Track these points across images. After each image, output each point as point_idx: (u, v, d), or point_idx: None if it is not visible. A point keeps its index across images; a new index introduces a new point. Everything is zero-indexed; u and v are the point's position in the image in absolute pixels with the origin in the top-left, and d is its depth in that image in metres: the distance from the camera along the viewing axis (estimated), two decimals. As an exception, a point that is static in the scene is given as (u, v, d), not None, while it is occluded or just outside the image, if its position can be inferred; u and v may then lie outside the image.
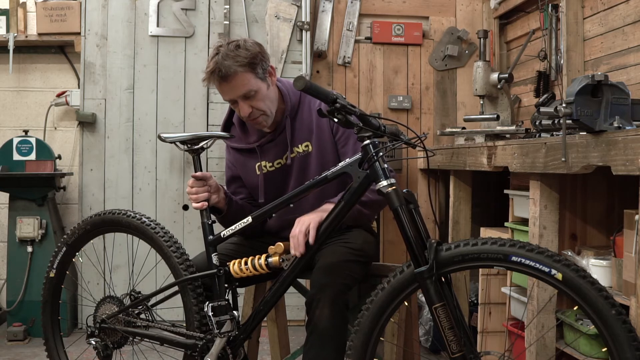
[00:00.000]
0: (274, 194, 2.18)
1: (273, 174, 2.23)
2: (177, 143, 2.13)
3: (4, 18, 3.88)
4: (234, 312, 2.02)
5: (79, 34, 3.86)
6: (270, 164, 2.22)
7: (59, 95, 3.95)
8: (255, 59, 2.03)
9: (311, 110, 2.18)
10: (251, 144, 2.22)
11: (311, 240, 1.90)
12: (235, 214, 2.17)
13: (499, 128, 3.14)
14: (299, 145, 2.19)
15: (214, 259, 2.04)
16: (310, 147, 2.19)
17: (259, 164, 2.23)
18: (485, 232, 2.88)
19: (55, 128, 4.07)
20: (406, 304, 2.01)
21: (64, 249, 2.34)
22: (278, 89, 2.18)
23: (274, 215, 2.03)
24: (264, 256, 1.97)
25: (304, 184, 1.95)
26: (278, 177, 2.23)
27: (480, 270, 2.89)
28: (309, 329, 1.90)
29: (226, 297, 2.03)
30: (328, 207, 1.97)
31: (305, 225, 1.91)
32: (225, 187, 2.23)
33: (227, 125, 2.31)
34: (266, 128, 2.16)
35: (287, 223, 2.11)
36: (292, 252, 1.91)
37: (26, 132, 3.72)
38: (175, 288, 2.11)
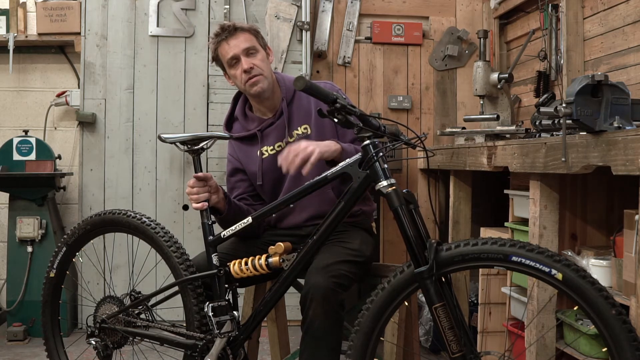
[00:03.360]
0: (274, 177, 2.25)
1: (274, 158, 2.26)
2: (178, 144, 2.14)
3: (4, 18, 3.88)
4: (234, 312, 2.02)
5: (79, 34, 3.85)
6: (271, 148, 2.27)
7: (59, 95, 3.94)
8: (256, 30, 2.27)
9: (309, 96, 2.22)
10: (252, 130, 2.28)
11: (305, 171, 1.88)
12: (235, 214, 2.17)
13: (499, 128, 3.14)
14: (298, 128, 2.25)
15: (214, 259, 2.04)
16: (309, 130, 2.24)
17: (260, 149, 2.27)
18: (485, 232, 2.88)
19: (55, 128, 4.07)
20: (406, 304, 2.01)
21: (64, 249, 2.34)
22: (275, 76, 2.30)
23: (274, 215, 2.04)
24: (264, 256, 1.97)
25: (303, 185, 1.95)
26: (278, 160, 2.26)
27: (480, 270, 2.89)
28: (304, 329, 1.90)
29: (226, 298, 2.03)
30: (336, 145, 1.98)
31: (308, 152, 1.89)
32: (224, 188, 2.24)
33: (230, 122, 2.38)
34: (265, 114, 2.26)
35: (286, 213, 2.15)
36: (280, 163, 1.92)
37: (26, 132, 3.72)
38: (176, 288, 2.11)
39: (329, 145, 1.97)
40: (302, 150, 1.89)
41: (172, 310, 2.27)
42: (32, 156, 3.67)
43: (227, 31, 2.20)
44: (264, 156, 2.27)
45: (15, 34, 3.86)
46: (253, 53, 2.21)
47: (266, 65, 2.24)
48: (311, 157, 1.88)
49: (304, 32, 3.91)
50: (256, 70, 2.19)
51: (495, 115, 3.28)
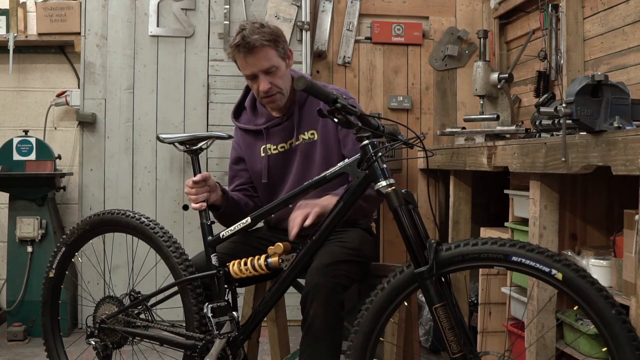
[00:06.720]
0: (277, 177, 2.25)
1: (277, 157, 2.26)
2: (176, 144, 2.13)
3: (4, 18, 3.88)
4: (234, 312, 2.02)
5: (79, 34, 3.86)
6: (274, 147, 2.26)
7: (59, 95, 3.94)
8: (278, 37, 2.13)
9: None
10: (259, 125, 2.27)
11: (308, 222, 1.93)
12: (233, 209, 2.19)
13: (499, 128, 3.14)
14: (305, 133, 2.24)
15: (214, 259, 2.04)
16: (315, 136, 2.23)
17: (264, 146, 2.26)
18: (485, 232, 2.87)
19: (55, 128, 4.07)
20: (406, 304, 2.01)
21: (64, 249, 2.34)
22: (291, 75, 2.24)
23: (272, 215, 2.03)
24: (263, 257, 1.97)
25: (302, 184, 1.95)
26: (281, 161, 2.26)
27: (480, 270, 2.89)
28: (304, 329, 1.90)
29: (226, 298, 2.02)
30: (332, 199, 1.97)
31: (306, 212, 1.95)
32: (221, 184, 2.24)
33: (239, 110, 2.36)
34: (276, 112, 2.24)
35: (287, 215, 2.13)
36: (290, 234, 1.95)
37: (26, 132, 3.72)
38: (175, 288, 2.11)
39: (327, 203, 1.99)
40: (304, 215, 1.96)
41: (172, 311, 2.26)
42: (32, 156, 3.67)
43: (245, 47, 2.06)
44: (267, 154, 2.26)
45: (15, 34, 3.86)
46: (273, 71, 2.12)
47: (285, 79, 2.16)
48: (310, 216, 1.94)
49: (304, 32, 3.91)
50: (274, 90, 2.14)
51: (495, 115, 3.28)
